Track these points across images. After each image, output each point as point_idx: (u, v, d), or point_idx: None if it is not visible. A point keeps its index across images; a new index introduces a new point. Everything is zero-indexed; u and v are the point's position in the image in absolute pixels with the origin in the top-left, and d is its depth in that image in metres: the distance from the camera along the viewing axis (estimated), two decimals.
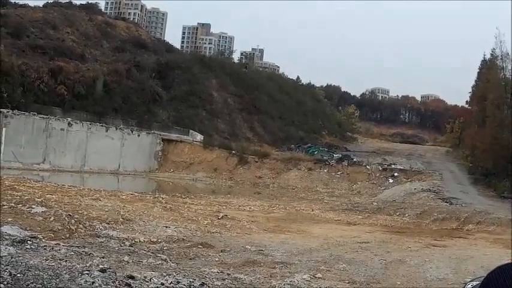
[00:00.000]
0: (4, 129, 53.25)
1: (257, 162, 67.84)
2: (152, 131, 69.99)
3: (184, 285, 11.19)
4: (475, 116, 76.85)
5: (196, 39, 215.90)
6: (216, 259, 16.09)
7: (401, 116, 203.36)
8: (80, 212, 21.38)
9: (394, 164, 68.28)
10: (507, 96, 64.32)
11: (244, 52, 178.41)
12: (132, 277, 10.97)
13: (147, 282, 10.90)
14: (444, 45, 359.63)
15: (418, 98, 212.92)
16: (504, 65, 67.45)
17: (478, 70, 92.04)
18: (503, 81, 66.30)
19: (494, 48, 71.22)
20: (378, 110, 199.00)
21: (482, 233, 29.38)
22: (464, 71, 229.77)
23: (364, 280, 15.04)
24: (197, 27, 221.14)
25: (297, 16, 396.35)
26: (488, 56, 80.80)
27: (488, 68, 76.27)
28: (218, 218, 26.70)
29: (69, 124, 59.77)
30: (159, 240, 18.24)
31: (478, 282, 1.71)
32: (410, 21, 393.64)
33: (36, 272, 10.05)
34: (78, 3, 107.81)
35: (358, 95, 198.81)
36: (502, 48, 66.44)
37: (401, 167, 66.21)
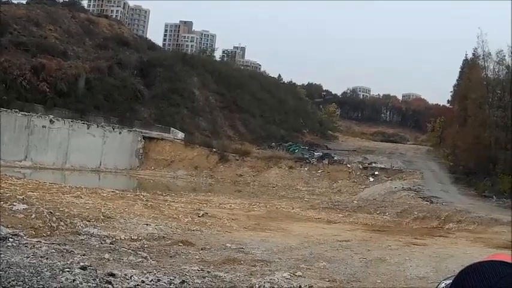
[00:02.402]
0: None
1: (238, 160, 67.94)
2: (133, 129, 69.92)
3: (164, 283, 11.24)
4: (456, 115, 77.29)
5: (178, 37, 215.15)
6: (197, 257, 16.08)
7: (383, 115, 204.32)
8: (61, 209, 21.28)
9: (374, 163, 68.52)
10: (489, 95, 64.73)
11: (226, 50, 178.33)
12: (112, 274, 11.00)
13: (128, 279, 10.93)
14: (426, 44, 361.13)
15: (400, 97, 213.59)
16: (486, 65, 67.83)
17: (460, 69, 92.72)
18: (485, 80, 66.62)
19: (476, 48, 71.76)
20: (359, 108, 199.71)
21: (463, 232, 29.53)
22: (446, 70, 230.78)
23: (345, 278, 15.09)
24: (179, 25, 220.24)
25: (278, 15, 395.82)
26: (470, 56, 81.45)
27: (470, 67, 76.82)
28: (199, 216, 26.66)
29: (51, 121, 59.59)
30: (140, 238, 18.22)
31: (450, 282, 1.75)
32: (392, 20, 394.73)
33: (17, 270, 10.07)
34: (61, 0, 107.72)
35: (339, 94, 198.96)
36: (484, 47, 66.80)
37: (382, 166, 66.45)
